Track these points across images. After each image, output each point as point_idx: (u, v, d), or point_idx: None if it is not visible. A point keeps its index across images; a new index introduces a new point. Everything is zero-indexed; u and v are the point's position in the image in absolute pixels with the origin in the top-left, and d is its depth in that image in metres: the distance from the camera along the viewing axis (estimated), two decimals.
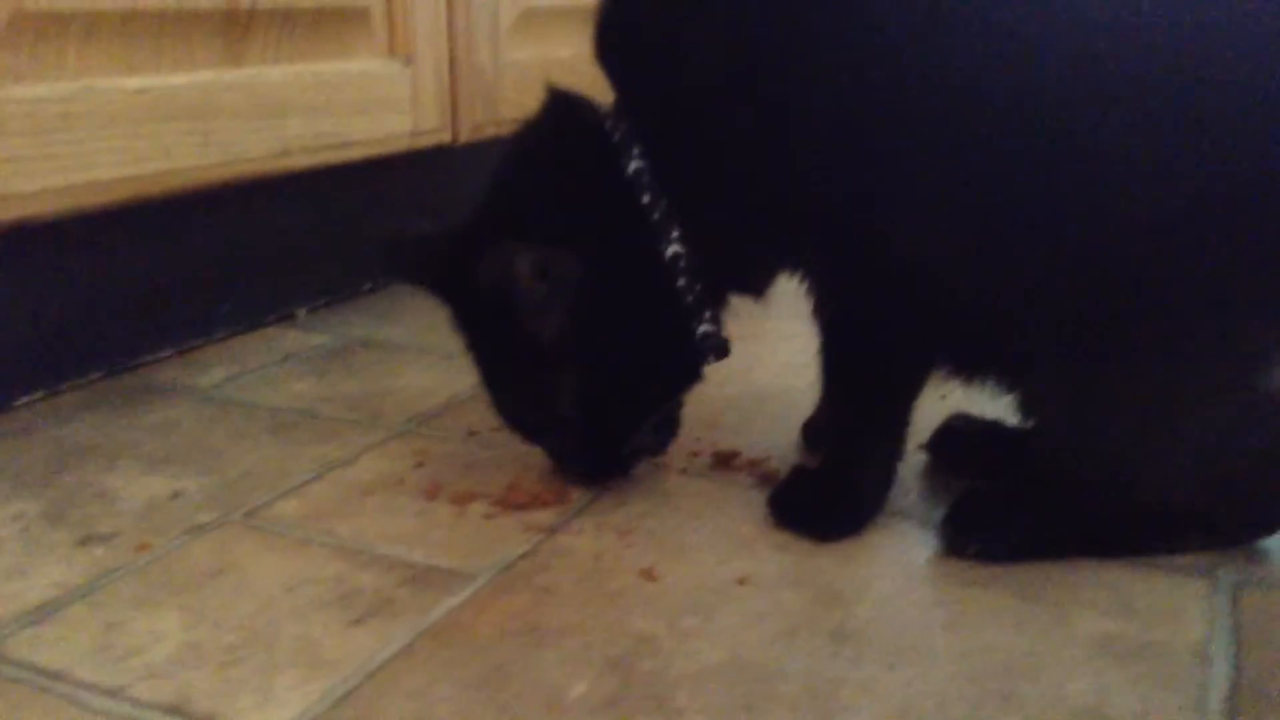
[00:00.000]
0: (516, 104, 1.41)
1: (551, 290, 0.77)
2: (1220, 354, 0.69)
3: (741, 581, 0.73)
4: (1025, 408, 0.77)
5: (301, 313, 1.30)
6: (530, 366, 0.80)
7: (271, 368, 1.13)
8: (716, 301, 0.82)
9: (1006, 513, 0.78)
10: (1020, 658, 0.64)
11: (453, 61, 1.32)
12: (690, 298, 0.80)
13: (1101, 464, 0.74)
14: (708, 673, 0.63)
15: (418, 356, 1.17)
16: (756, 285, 0.85)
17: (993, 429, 0.90)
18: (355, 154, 1.19)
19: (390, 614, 0.69)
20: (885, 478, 0.81)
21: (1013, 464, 0.86)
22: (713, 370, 0.83)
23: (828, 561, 0.75)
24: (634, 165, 0.78)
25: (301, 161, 1.13)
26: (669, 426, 0.87)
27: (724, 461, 0.91)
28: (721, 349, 0.83)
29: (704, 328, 0.81)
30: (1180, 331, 0.69)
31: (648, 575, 0.73)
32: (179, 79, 1.01)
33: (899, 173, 0.73)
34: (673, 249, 0.79)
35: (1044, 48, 0.69)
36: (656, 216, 0.78)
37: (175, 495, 0.85)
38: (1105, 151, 0.69)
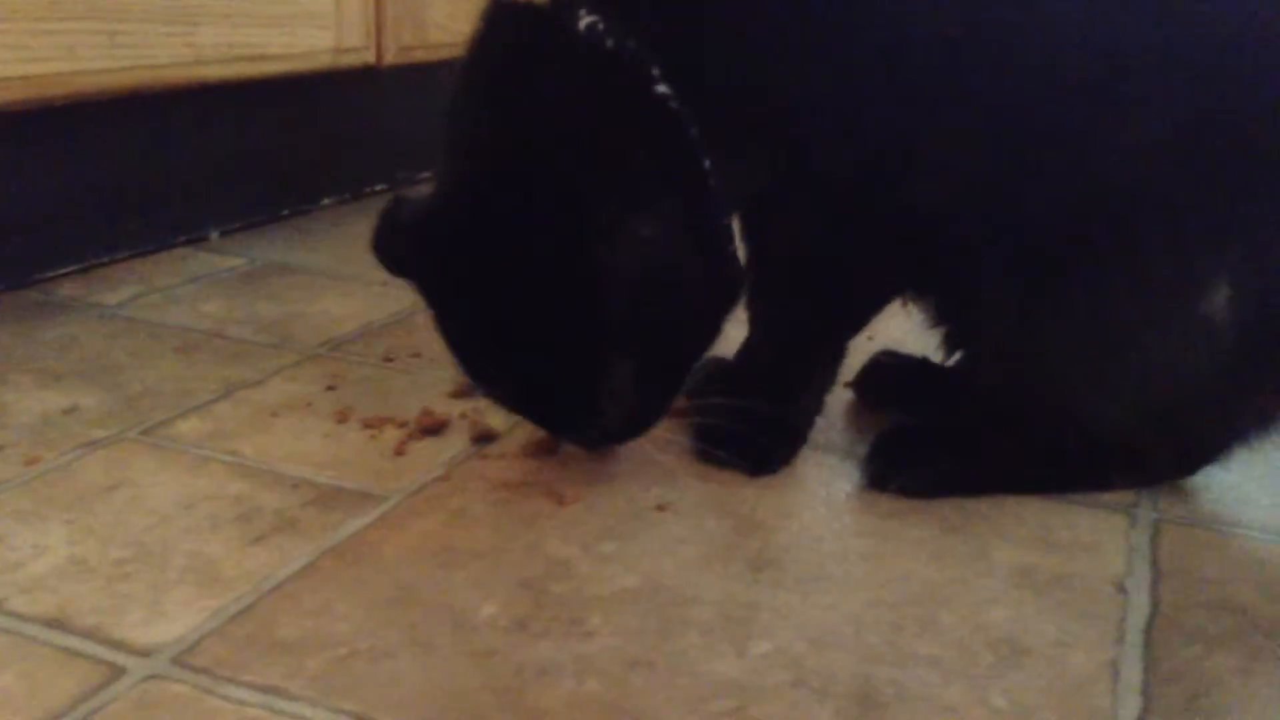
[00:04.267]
0: (446, 29, 1.37)
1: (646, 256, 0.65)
2: (1167, 279, 0.69)
3: (661, 508, 0.71)
4: (963, 336, 0.76)
5: (214, 234, 1.25)
6: (580, 347, 0.67)
7: (180, 288, 1.09)
8: None
9: (930, 449, 0.77)
10: (939, 587, 0.63)
11: None
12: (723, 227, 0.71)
13: (1043, 392, 0.73)
14: (622, 596, 0.61)
15: (334, 282, 1.13)
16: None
17: (919, 366, 0.89)
18: (273, 68, 1.14)
19: (293, 533, 0.66)
20: (818, 410, 0.79)
21: (938, 401, 0.85)
22: None
23: (749, 491, 0.74)
24: (660, 89, 0.67)
25: (215, 72, 1.08)
26: None
27: None
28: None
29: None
30: (1129, 255, 0.68)
31: (565, 500, 0.71)
32: None
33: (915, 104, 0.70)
34: (711, 181, 0.69)
35: None
36: (694, 143, 0.67)
37: (71, 410, 0.81)
38: (1068, 81, 0.68)
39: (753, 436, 0.77)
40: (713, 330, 0.72)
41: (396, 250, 0.70)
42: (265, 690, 0.52)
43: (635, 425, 0.72)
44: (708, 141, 0.68)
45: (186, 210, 1.22)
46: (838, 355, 0.79)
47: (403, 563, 0.63)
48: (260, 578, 0.61)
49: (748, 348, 0.86)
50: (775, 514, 0.71)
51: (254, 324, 1.00)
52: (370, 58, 1.28)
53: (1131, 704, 0.55)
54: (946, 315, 0.77)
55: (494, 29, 0.70)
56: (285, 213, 1.34)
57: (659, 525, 0.69)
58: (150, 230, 1.18)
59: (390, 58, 1.31)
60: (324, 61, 1.21)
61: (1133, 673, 0.57)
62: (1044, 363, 0.72)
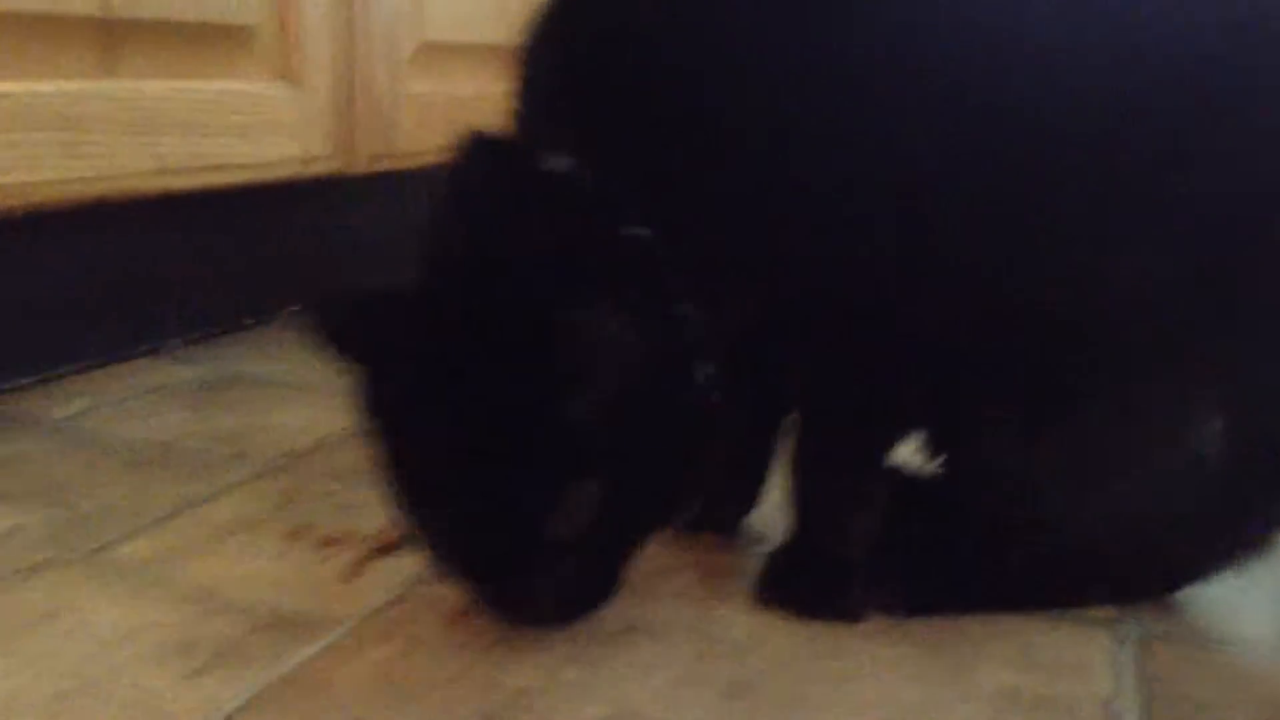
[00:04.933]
0: (415, 138, 1.37)
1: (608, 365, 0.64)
2: (1161, 410, 0.68)
3: (629, 630, 0.68)
4: (945, 447, 0.74)
5: (175, 345, 1.23)
6: (534, 477, 0.63)
7: (136, 400, 1.06)
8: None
9: (909, 567, 0.75)
10: (920, 711, 0.61)
11: (347, 89, 1.27)
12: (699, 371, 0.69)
13: (1026, 508, 0.71)
14: None
15: (294, 393, 1.10)
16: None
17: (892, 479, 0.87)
18: (238, 178, 1.13)
19: (240, 663, 0.62)
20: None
21: (915, 519, 0.83)
22: None
23: (724, 610, 0.71)
24: (640, 231, 0.66)
25: (179, 182, 1.06)
26: None
27: None
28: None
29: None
30: (1124, 383, 0.67)
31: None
32: (46, 86, 0.94)
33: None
34: (681, 309, 0.67)
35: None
36: (669, 281, 0.66)
37: (13, 531, 0.77)
38: (1081, 188, 0.66)
39: (824, 582, 0.73)
40: (679, 464, 0.69)
41: (341, 322, 0.65)
42: None
43: (586, 591, 0.67)
44: (685, 280, 0.67)
45: (147, 320, 1.19)
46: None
47: (354, 695, 0.60)
48: (203, 712, 0.58)
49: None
50: (749, 634, 0.68)
51: (210, 437, 0.97)
52: (338, 166, 1.27)
53: None
54: (929, 425, 0.75)
55: (472, 165, 0.69)
56: (249, 322, 1.32)
57: (627, 649, 0.66)
58: (109, 341, 1.15)
59: (358, 167, 1.30)
60: (290, 171, 1.20)
61: None
62: (1029, 481, 0.70)
